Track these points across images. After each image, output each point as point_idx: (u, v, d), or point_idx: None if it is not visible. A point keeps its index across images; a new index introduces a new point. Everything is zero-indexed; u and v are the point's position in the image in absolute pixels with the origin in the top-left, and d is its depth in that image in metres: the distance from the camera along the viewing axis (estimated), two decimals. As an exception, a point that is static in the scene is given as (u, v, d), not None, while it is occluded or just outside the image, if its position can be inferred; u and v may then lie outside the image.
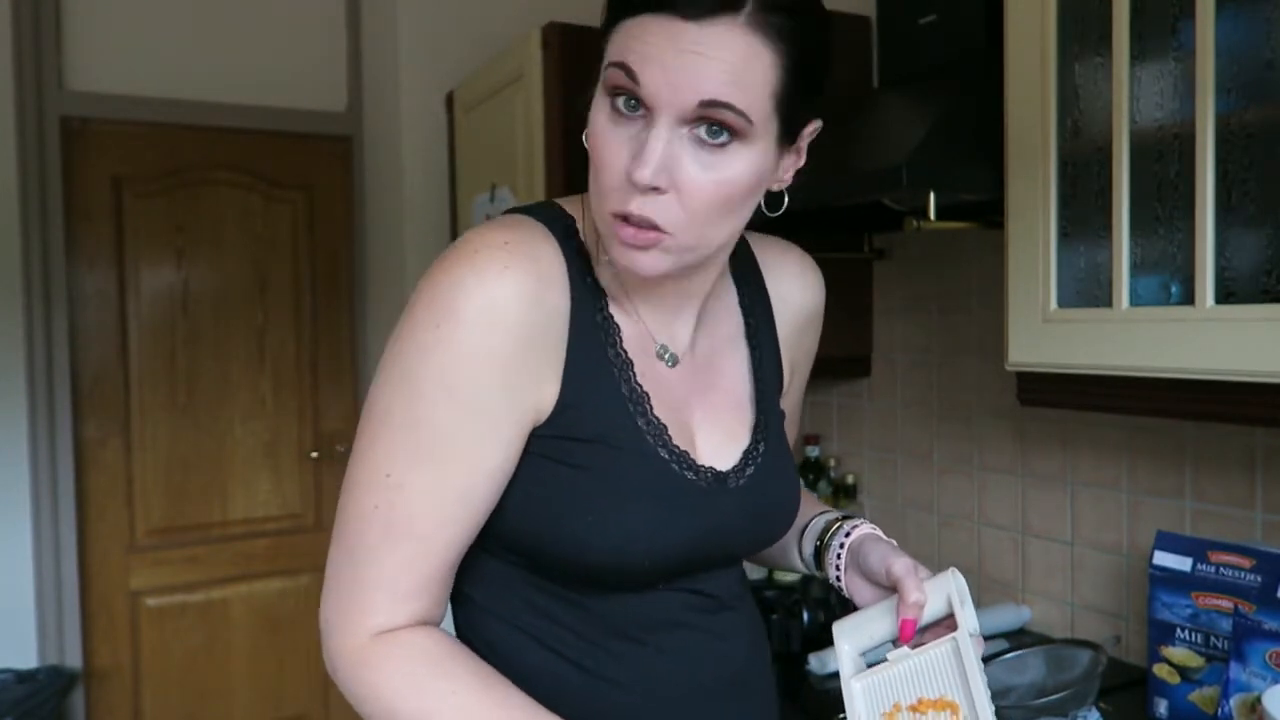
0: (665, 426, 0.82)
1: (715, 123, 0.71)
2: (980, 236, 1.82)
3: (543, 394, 0.78)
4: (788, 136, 0.77)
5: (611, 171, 0.73)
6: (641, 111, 0.72)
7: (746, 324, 0.94)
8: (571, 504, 0.78)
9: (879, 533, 0.93)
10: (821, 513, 1.00)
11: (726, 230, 0.78)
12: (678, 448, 0.82)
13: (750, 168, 0.74)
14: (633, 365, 0.82)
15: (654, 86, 0.70)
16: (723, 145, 0.72)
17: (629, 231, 0.73)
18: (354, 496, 0.77)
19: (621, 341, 0.82)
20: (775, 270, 0.97)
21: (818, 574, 0.97)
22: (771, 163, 0.77)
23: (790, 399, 1.03)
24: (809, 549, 0.97)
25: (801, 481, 1.11)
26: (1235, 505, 1.46)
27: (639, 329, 0.85)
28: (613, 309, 0.83)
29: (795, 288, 0.98)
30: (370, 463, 0.76)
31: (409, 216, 2.82)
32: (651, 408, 0.82)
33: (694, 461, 0.83)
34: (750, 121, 0.71)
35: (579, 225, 0.84)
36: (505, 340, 0.74)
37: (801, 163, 0.81)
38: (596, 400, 0.79)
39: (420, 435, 0.75)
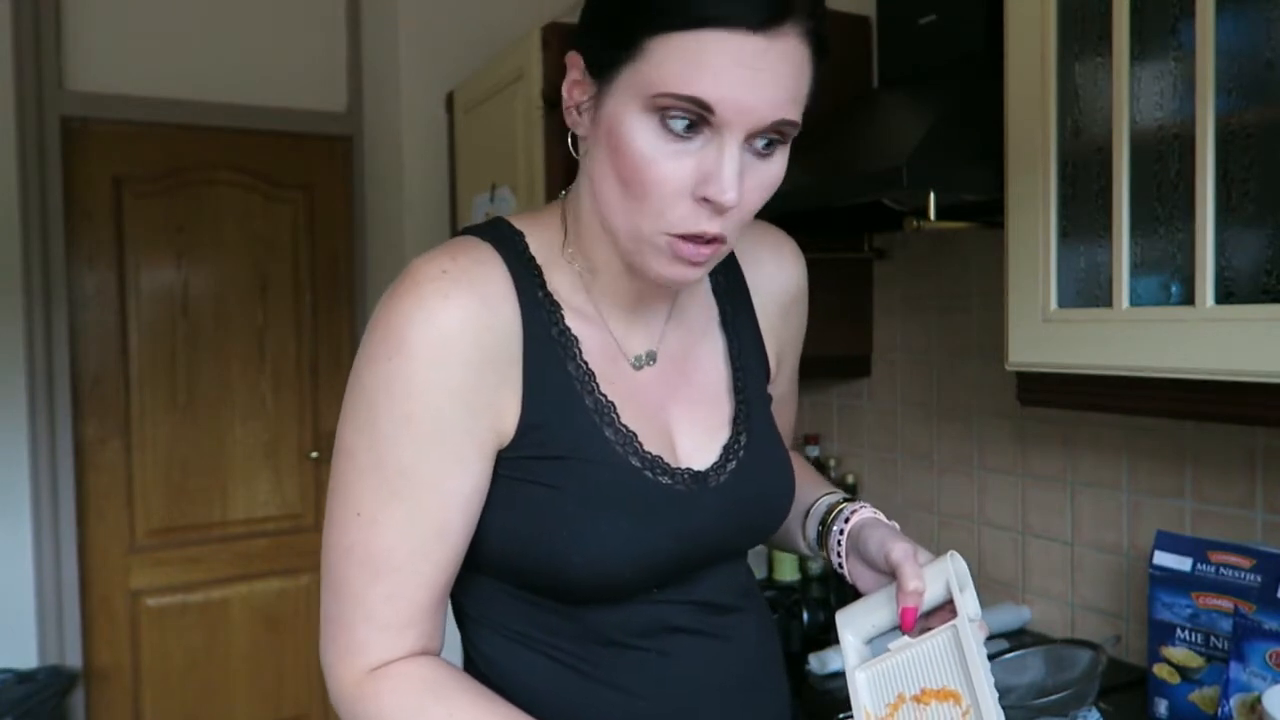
0: (635, 434, 0.81)
1: (773, 134, 0.72)
2: (980, 236, 1.82)
3: (503, 416, 0.77)
4: None
5: (670, 192, 0.71)
6: (699, 128, 0.71)
7: (721, 312, 0.92)
8: (547, 523, 0.77)
9: (880, 516, 0.91)
10: (825, 494, 0.98)
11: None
12: (650, 453, 0.81)
13: (784, 166, 0.76)
14: (595, 376, 0.81)
15: (729, 114, 0.69)
16: (770, 153, 0.73)
17: (690, 249, 0.73)
18: (332, 536, 0.78)
19: (582, 353, 0.81)
20: (750, 254, 0.95)
21: (821, 556, 0.96)
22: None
23: (781, 385, 1.01)
24: (812, 532, 0.96)
25: (806, 461, 1.09)
26: (1235, 505, 1.46)
27: (604, 336, 0.84)
28: (570, 321, 0.81)
29: (772, 270, 0.96)
30: (342, 502, 0.77)
31: (409, 216, 2.82)
32: (619, 416, 0.81)
33: (668, 465, 0.82)
34: (798, 128, 0.73)
35: (530, 240, 0.83)
36: (456, 368, 0.74)
37: None
38: (561, 417, 0.79)
39: (386, 472, 0.75)
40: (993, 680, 0.75)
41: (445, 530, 0.76)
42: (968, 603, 0.79)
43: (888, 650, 0.82)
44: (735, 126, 0.69)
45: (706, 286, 0.93)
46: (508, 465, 0.78)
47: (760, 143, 0.72)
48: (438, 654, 0.81)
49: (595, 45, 0.74)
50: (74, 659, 2.76)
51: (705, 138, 0.70)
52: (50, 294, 2.72)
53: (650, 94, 0.70)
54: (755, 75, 0.68)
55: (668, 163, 0.71)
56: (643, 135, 0.71)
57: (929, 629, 0.81)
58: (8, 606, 2.63)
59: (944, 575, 0.81)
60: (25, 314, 2.64)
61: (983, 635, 0.79)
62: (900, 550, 0.83)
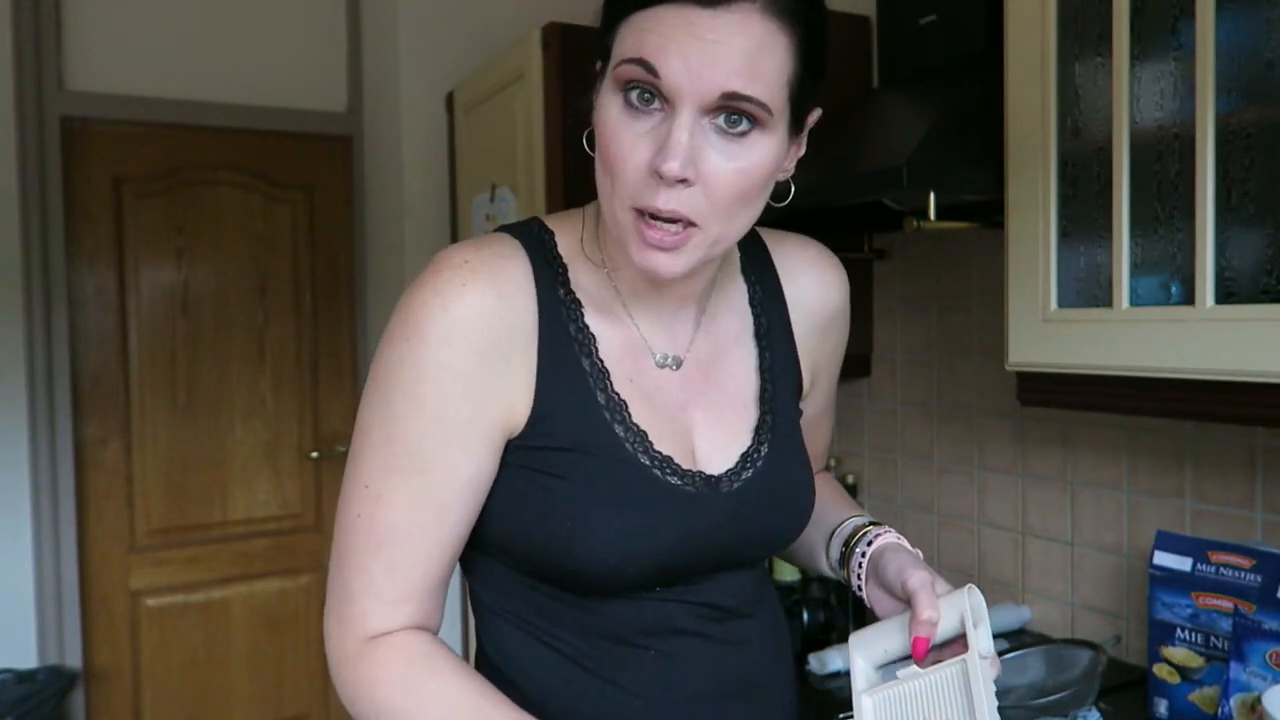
0: (645, 432, 0.82)
1: (736, 111, 0.72)
2: (980, 236, 1.82)
3: (514, 407, 0.79)
4: (796, 124, 0.78)
5: (631, 167, 0.73)
6: (658, 104, 0.72)
7: (757, 323, 0.92)
8: (550, 511, 0.79)
9: (904, 542, 0.91)
10: (852, 516, 0.98)
11: (745, 221, 0.78)
12: (660, 453, 0.82)
13: (769, 156, 0.75)
14: (609, 374, 0.82)
15: (674, 78, 0.70)
16: (743, 134, 0.73)
17: (655, 234, 0.73)
18: (343, 508, 0.81)
19: (598, 351, 0.82)
20: (792, 268, 0.95)
21: (843, 578, 0.95)
22: (784, 150, 0.77)
23: (816, 402, 1.01)
24: (835, 554, 0.96)
25: (837, 483, 1.08)
26: (1235, 505, 1.46)
27: (630, 335, 0.85)
28: (591, 319, 0.83)
29: (814, 286, 0.96)
30: (355, 475, 0.80)
31: (409, 216, 2.82)
32: (630, 415, 0.82)
33: (679, 466, 0.82)
34: (769, 111, 0.72)
35: (559, 239, 0.85)
36: (466, 353, 0.77)
37: (802, 152, 0.82)
38: (572, 410, 0.80)
39: (395, 448, 0.78)
40: (998, 719, 0.74)
41: (446, 510, 0.79)
42: (980, 638, 0.78)
43: (896, 678, 0.81)
44: (685, 97, 0.70)
45: (743, 296, 0.93)
46: (517, 454, 0.80)
47: (723, 119, 0.72)
48: (434, 633, 0.82)
49: (597, 47, 0.78)
50: (74, 659, 2.76)
51: (664, 114, 0.72)
52: (50, 294, 2.72)
53: (613, 68, 0.74)
54: (703, 44, 0.69)
55: (629, 137, 0.73)
56: (612, 112, 0.74)
57: (941, 660, 0.80)
58: (8, 606, 2.63)
59: (959, 608, 0.80)
60: (25, 314, 2.64)
61: (994, 673, 0.78)
62: (917, 579, 0.82)
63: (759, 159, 0.74)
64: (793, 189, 0.83)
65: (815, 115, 0.81)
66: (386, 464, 0.78)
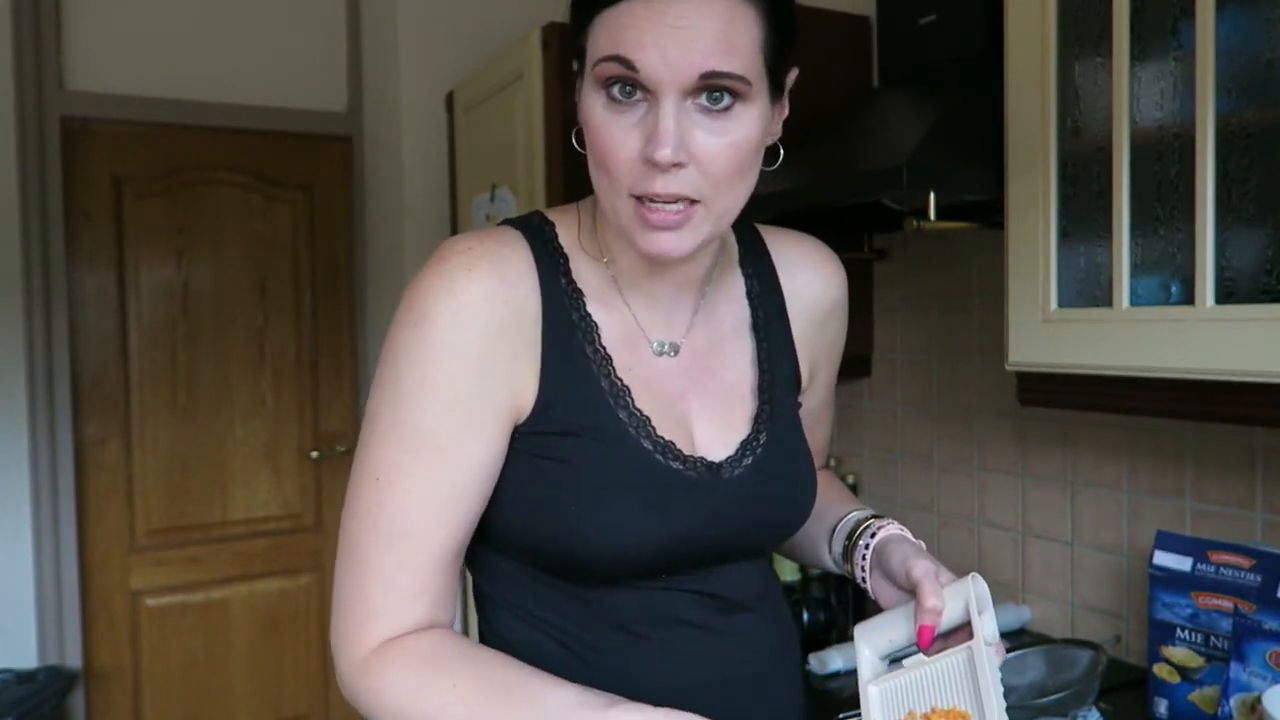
0: (649, 418, 0.83)
1: (717, 89, 0.73)
2: (980, 236, 1.82)
3: (520, 391, 0.80)
4: (776, 88, 0.79)
5: (623, 159, 0.75)
6: (639, 95, 0.74)
7: (754, 315, 0.93)
8: (556, 496, 0.80)
9: (906, 533, 0.91)
10: (853, 510, 0.98)
11: (743, 192, 0.80)
12: (663, 438, 0.83)
13: (755, 126, 0.76)
14: (612, 360, 0.83)
15: (652, 69, 0.72)
16: (727, 109, 0.74)
17: (658, 215, 0.75)
18: (351, 501, 0.80)
19: (600, 339, 0.84)
20: (789, 263, 0.96)
21: (846, 571, 0.96)
22: (768, 116, 0.79)
23: (817, 395, 1.02)
24: (838, 548, 0.96)
25: (838, 480, 1.09)
26: (1235, 505, 1.46)
27: (628, 324, 0.86)
28: (592, 307, 0.84)
29: (811, 280, 0.97)
30: (364, 466, 0.80)
31: (409, 216, 2.82)
32: (633, 400, 0.83)
33: (681, 452, 0.83)
34: (748, 83, 0.74)
35: (559, 231, 0.86)
36: (473, 337, 0.78)
37: (786, 113, 0.83)
38: (576, 396, 0.81)
39: (403, 434, 0.78)
40: (1004, 705, 0.74)
41: (459, 495, 0.79)
42: (985, 625, 0.78)
43: (902, 666, 0.82)
44: (666, 85, 0.72)
45: (740, 288, 0.94)
46: (523, 440, 0.81)
47: (705, 98, 0.73)
48: (448, 626, 0.82)
49: (572, 44, 0.80)
50: (74, 659, 2.76)
51: (648, 104, 0.74)
52: (50, 294, 2.72)
53: (591, 68, 0.75)
54: (675, 31, 0.71)
55: (617, 131, 0.75)
56: (596, 109, 0.76)
57: (946, 649, 0.81)
58: (8, 606, 2.63)
59: (964, 596, 0.80)
60: (25, 314, 2.64)
61: (999, 659, 0.78)
62: (921, 568, 0.83)
63: (746, 130, 0.75)
64: (781, 151, 0.84)
65: (793, 75, 0.82)
66: (397, 451, 0.78)
